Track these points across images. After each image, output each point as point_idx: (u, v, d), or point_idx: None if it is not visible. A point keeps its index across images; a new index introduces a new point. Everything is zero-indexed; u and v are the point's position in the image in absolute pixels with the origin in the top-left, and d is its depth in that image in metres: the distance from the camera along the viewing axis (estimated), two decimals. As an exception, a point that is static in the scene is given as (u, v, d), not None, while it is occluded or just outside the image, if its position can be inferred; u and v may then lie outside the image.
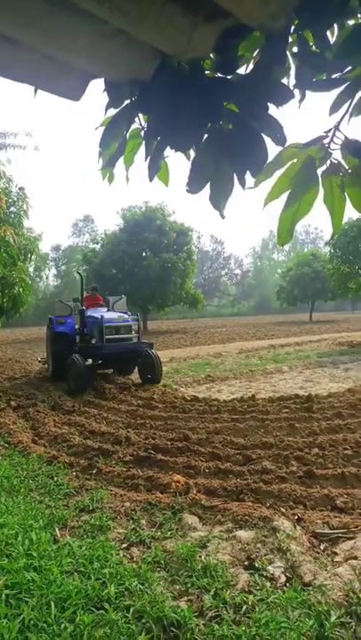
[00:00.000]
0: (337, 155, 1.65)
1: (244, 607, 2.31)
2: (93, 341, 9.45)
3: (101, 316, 9.39)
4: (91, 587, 2.47)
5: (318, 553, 2.87)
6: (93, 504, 3.59)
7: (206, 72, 1.70)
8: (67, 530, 3.23)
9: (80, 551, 2.86)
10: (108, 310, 10.68)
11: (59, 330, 10.22)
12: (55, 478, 4.18)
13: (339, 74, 1.62)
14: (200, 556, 2.80)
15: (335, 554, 2.86)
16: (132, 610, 2.30)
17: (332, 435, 5.31)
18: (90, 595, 2.41)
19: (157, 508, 3.48)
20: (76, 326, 10.26)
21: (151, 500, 3.60)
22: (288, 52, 1.72)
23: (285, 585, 2.51)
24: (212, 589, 2.46)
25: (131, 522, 3.32)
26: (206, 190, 1.78)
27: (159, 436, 5.51)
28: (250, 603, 2.34)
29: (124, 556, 2.86)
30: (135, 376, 10.13)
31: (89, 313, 9.90)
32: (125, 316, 10.04)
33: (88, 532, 3.17)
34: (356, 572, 2.54)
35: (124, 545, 3.02)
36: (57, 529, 3.21)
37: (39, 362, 12.96)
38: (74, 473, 4.36)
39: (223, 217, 1.84)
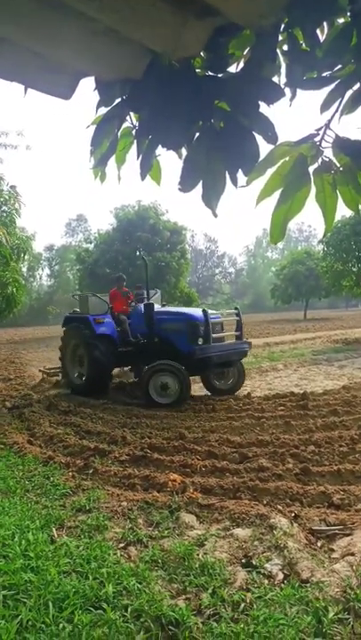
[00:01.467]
0: (328, 153, 1.65)
1: (242, 605, 2.32)
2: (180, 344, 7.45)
3: (202, 311, 7.50)
4: (88, 586, 2.47)
5: (315, 550, 2.88)
6: (90, 504, 3.58)
7: (197, 70, 1.70)
8: (64, 530, 3.23)
9: (77, 551, 2.86)
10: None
11: (100, 331, 8.17)
12: (51, 479, 4.17)
13: (329, 72, 1.62)
14: (198, 555, 2.80)
15: (332, 550, 2.87)
16: (130, 609, 2.30)
17: (328, 432, 5.33)
18: (88, 594, 2.41)
19: (154, 507, 3.48)
20: (118, 328, 8.44)
21: (148, 499, 3.60)
22: (278, 51, 1.72)
23: (283, 582, 2.52)
24: (210, 587, 2.47)
25: (128, 521, 3.31)
26: (199, 189, 1.78)
27: (155, 434, 5.52)
28: (248, 600, 2.35)
29: (121, 555, 2.86)
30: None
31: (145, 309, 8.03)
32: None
33: (85, 531, 3.17)
34: (354, 568, 2.55)
35: (122, 544, 3.02)
36: (54, 529, 3.20)
37: (44, 373, 10.09)
38: (70, 473, 4.35)
39: (216, 215, 1.84)
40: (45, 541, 2.98)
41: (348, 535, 2.99)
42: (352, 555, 2.70)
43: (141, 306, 8.34)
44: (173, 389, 7.15)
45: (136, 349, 8.10)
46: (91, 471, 4.35)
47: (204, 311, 7.53)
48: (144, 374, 7.38)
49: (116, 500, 3.67)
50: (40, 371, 10.39)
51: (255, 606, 2.30)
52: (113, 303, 8.83)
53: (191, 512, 3.41)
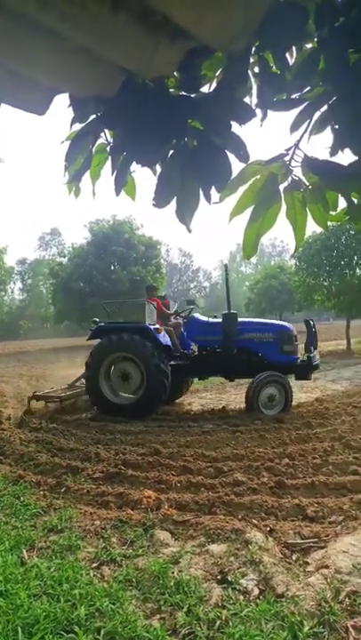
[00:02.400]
0: (298, 172, 1.71)
1: (218, 622, 2.29)
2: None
3: (284, 322, 7.76)
4: (60, 609, 2.39)
5: (290, 563, 2.88)
6: (62, 523, 3.49)
7: (171, 90, 1.74)
8: (34, 551, 3.13)
9: (49, 573, 2.77)
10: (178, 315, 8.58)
11: (165, 342, 7.52)
12: (22, 498, 4.05)
13: (298, 94, 1.69)
14: (172, 573, 2.76)
15: (307, 563, 2.88)
16: (103, 631, 2.24)
17: (302, 444, 5.38)
18: (59, 618, 2.33)
19: (128, 525, 3.42)
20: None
21: (122, 517, 3.54)
22: (250, 72, 1.78)
23: (259, 597, 2.51)
24: (186, 606, 2.43)
25: (101, 540, 3.24)
26: (173, 204, 1.81)
27: (130, 451, 5.44)
28: (223, 617, 2.32)
29: (94, 575, 2.79)
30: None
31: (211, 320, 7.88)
32: None
33: (57, 552, 3.08)
34: (328, 580, 2.56)
35: (95, 564, 2.95)
36: (24, 550, 3.10)
37: (38, 399, 8.09)
38: (41, 492, 4.24)
39: (190, 231, 1.86)
40: (15, 563, 2.88)
41: (322, 548, 3.00)
42: (326, 567, 2.71)
43: (196, 316, 8.11)
44: (278, 400, 7.25)
45: (195, 361, 7.78)
46: (63, 490, 4.25)
47: (275, 322, 7.81)
48: (254, 386, 7.18)
49: (89, 519, 3.59)
50: (34, 397, 8.06)
51: (231, 623, 2.27)
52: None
53: (166, 529, 3.37)
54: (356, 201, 1.87)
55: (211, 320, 8.00)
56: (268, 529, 3.29)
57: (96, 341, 7.77)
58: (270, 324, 8.00)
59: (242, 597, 2.51)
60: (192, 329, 7.99)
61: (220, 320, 7.79)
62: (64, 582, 2.66)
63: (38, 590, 2.60)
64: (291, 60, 1.75)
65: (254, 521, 3.42)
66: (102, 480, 4.52)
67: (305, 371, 7.64)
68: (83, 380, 8.34)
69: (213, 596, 2.52)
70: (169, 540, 3.23)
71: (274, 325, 7.92)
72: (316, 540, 3.12)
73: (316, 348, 7.95)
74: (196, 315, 8.23)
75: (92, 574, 2.80)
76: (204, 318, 8.09)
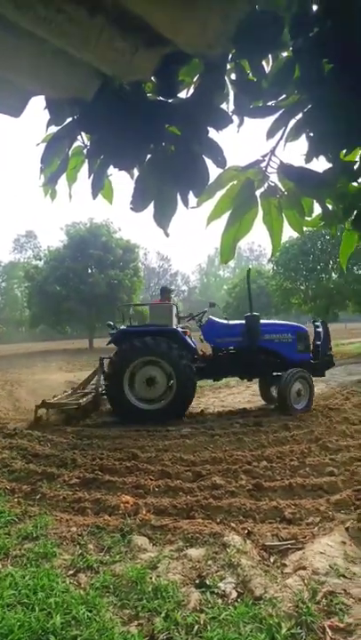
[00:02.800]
0: (274, 178, 1.73)
1: (196, 627, 2.28)
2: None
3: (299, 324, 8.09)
4: (35, 619, 2.34)
5: (268, 566, 2.90)
6: (37, 531, 3.43)
7: (148, 95, 1.74)
8: (8, 560, 3.06)
9: (23, 581, 2.72)
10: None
11: (194, 345, 7.60)
12: (-4, 506, 3.96)
13: (274, 102, 1.71)
14: (150, 578, 2.74)
15: (285, 565, 2.90)
16: (79, 639, 2.21)
17: (280, 447, 5.43)
18: (34, 627, 2.28)
19: (105, 532, 3.39)
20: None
21: (99, 523, 3.50)
22: (227, 79, 1.80)
23: (237, 600, 2.51)
24: (163, 611, 2.42)
25: (77, 547, 3.20)
26: (151, 208, 1.81)
27: (107, 456, 5.39)
28: (202, 622, 2.31)
29: (70, 583, 2.75)
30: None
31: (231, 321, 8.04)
32: None
33: (32, 560, 3.02)
34: (305, 581, 2.59)
35: (71, 572, 2.90)
36: (-1, 560, 3.03)
37: (51, 406, 7.30)
38: (16, 499, 4.15)
39: (167, 235, 1.87)
40: (-11, 573, 2.82)
41: (299, 549, 3.03)
42: (304, 569, 2.74)
43: (213, 318, 8.11)
44: (303, 395, 7.51)
45: (213, 363, 7.79)
46: (38, 496, 4.18)
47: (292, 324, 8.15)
48: (286, 382, 7.29)
49: (65, 526, 3.54)
50: (44, 405, 7.23)
51: (209, 627, 2.27)
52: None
53: (144, 534, 3.34)
54: (330, 207, 1.91)
55: (231, 322, 8.13)
56: (247, 532, 3.31)
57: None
58: (288, 325, 8.29)
59: (220, 601, 2.51)
60: (211, 331, 7.98)
61: (239, 322, 7.96)
62: (39, 591, 2.60)
63: (12, 600, 2.54)
64: (267, 68, 1.78)
65: (232, 524, 3.43)
66: (79, 486, 4.46)
67: (321, 368, 8.10)
68: (92, 384, 8.12)
69: (192, 601, 2.51)
70: (147, 545, 3.21)
71: (291, 326, 8.22)
72: (293, 541, 3.15)
73: (330, 348, 8.41)
74: (213, 317, 8.27)
75: (68, 582, 2.75)
76: (223, 320, 8.21)
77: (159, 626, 2.30)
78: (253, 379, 8.61)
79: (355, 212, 1.83)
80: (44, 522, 3.56)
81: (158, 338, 7.17)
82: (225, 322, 8.13)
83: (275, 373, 7.83)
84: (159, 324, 7.63)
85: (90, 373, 8.56)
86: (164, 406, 7.16)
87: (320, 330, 8.36)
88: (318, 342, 8.21)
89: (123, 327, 7.68)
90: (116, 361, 7.24)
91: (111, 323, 8.23)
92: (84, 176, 1.96)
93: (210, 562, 2.90)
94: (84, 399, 7.44)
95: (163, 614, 2.39)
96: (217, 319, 8.23)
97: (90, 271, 29.77)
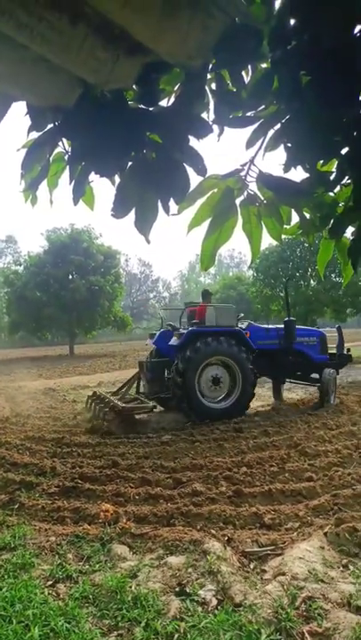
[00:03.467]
0: (253, 187, 1.76)
1: (176, 635, 2.27)
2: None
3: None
4: (12, 631, 2.30)
5: (248, 572, 2.90)
6: (15, 541, 3.36)
7: (130, 102, 1.75)
8: (-14, 572, 3.00)
9: (0, 593, 2.66)
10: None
11: (256, 346, 8.10)
12: (-28, 517, 3.87)
13: (253, 112, 1.74)
14: (130, 587, 2.72)
15: (264, 571, 2.91)
16: (58, 653, 2.17)
17: (259, 452, 5.46)
18: (11, 641, 2.24)
19: (85, 541, 3.34)
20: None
21: (78, 532, 3.45)
22: (207, 89, 1.82)
23: (217, 608, 2.51)
24: (144, 620, 2.39)
25: (56, 557, 3.15)
26: (132, 214, 1.81)
27: (87, 464, 5.33)
28: (182, 630, 2.30)
29: (49, 594, 2.70)
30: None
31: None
32: None
33: (10, 571, 2.96)
34: (285, 587, 2.60)
35: (50, 582, 2.85)
36: (-25, 572, 2.96)
37: (126, 412, 7.25)
38: (-6, 509, 4.07)
39: (148, 242, 1.88)
40: (-35, 586, 2.75)
41: (279, 555, 3.05)
42: (283, 574, 2.75)
43: (253, 323, 9.00)
44: (334, 391, 8.65)
45: (253, 364, 7.93)
46: (16, 506, 4.10)
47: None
48: (327, 381, 8.31)
49: (44, 536, 3.48)
50: (123, 411, 7.19)
51: (189, 636, 2.26)
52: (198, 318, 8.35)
53: (124, 543, 3.31)
54: (308, 216, 1.95)
55: (270, 327, 9.07)
56: (227, 538, 3.31)
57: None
58: (313, 330, 9.36)
59: (200, 609, 2.50)
60: (254, 335, 8.45)
61: (276, 326, 8.92)
62: (17, 602, 2.56)
63: (-11, 613, 2.48)
64: (246, 79, 1.81)
65: (213, 531, 3.42)
66: (58, 495, 4.40)
67: (340, 365, 9.07)
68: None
69: (172, 609, 2.49)
70: (127, 553, 3.18)
71: (316, 331, 9.26)
72: (273, 547, 3.16)
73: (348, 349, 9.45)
74: (253, 322, 9.26)
75: (46, 593, 2.71)
76: (263, 325, 9.21)
77: (139, 635, 2.28)
78: (284, 379, 9.57)
79: (331, 221, 1.87)
80: (23, 532, 3.50)
81: (227, 338, 7.61)
82: (265, 326, 9.11)
83: (298, 373, 9.00)
84: (224, 325, 7.96)
85: (130, 377, 9.13)
86: (229, 405, 7.62)
87: (335, 334, 9.45)
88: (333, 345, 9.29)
89: (191, 328, 7.83)
90: (188, 361, 7.43)
91: (171, 323, 8.77)
92: (65, 182, 1.96)
93: (190, 569, 2.89)
94: (151, 403, 7.75)
95: (143, 624, 2.37)
96: (257, 324, 9.27)
97: (71, 277, 29.52)
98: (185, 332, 7.69)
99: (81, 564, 3.07)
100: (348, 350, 9.28)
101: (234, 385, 7.67)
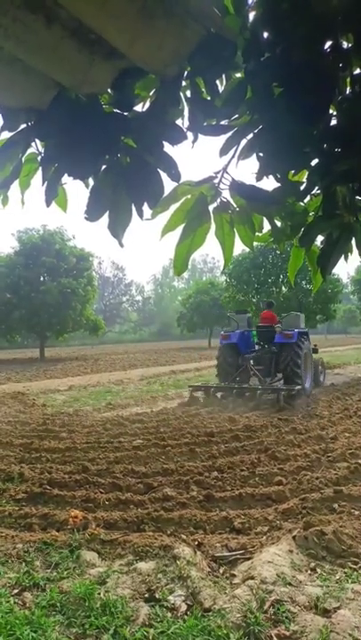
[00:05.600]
0: (227, 194, 1.78)
1: (145, 642, 2.25)
2: None
3: None
4: (-25, 644, 2.23)
5: (218, 577, 2.91)
6: (-19, 550, 3.28)
7: (105, 106, 1.75)
8: None
9: (-36, 604, 2.58)
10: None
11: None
12: None
13: (227, 120, 1.77)
14: (99, 594, 2.68)
15: (234, 576, 2.92)
16: (23, 663, 2.12)
17: (230, 457, 5.50)
18: (-26, 653, 2.18)
19: (53, 548, 3.28)
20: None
21: (46, 539, 3.39)
22: (182, 96, 1.84)
23: (186, 613, 2.50)
24: (112, 627, 2.37)
25: (23, 564, 3.08)
26: (106, 217, 1.81)
27: (56, 469, 5.25)
28: (150, 637, 2.29)
29: (15, 602, 2.64)
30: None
31: None
32: None
33: (-26, 581, 2.88)
34: (254, 591, 2.62)
35: (16, 590, 2.79)
36: None
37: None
38: None
39: (122, 245, 1.87)
40: None
41: (248, 559, 3.07)
42: (252, 578, 2.77)
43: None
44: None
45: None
46: (-18, 513, 4.00)
47: None
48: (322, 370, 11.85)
49: (11, 543, 3.40)
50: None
51: (158, 642, 2.25)
52: (273, 322, 11.03)
53: (93, 549, 3.27)
54: (279, 224, 1.99)
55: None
56: (197, 543, 3.31)
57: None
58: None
59: (169, 614, 2.49)
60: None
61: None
62: (-19, 613, 2.49)
63: None
64: (221, 88, 1.84)
65: (183, 536, 3.42)
66: (25, 501, 4.31)
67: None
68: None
69: (141, 616, 2.48)
70: (96, 560, 3.15)
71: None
72: (242, 551, 3.19)
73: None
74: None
75: (12, 601, 2.64)
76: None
77: (107, 643, 2.25)
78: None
79: (302, 230, 1.92)
80: (-12, 540, 3.41)
81: (308, 336, 10.90)
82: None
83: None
84: (301, 328, 10.68)
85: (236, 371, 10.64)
86: (302, 393, 9.73)
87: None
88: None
89: (297, 330, 10.25)
90: (301, 350, 10.08)
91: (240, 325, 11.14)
92: (37, 183, 1.94)
93: (160, 575, 2.88)
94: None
95: (111, 631, 2.35)
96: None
97: (42, 279, 29.03)
98: (293, 332, 10.02)
99: (48, 571, 3.02)
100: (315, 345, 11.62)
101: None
